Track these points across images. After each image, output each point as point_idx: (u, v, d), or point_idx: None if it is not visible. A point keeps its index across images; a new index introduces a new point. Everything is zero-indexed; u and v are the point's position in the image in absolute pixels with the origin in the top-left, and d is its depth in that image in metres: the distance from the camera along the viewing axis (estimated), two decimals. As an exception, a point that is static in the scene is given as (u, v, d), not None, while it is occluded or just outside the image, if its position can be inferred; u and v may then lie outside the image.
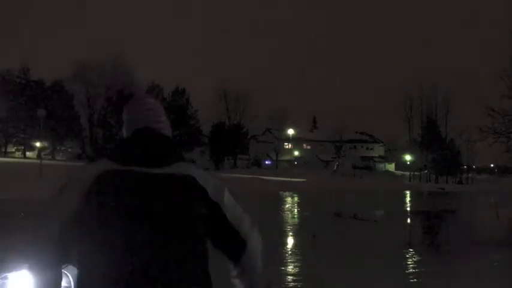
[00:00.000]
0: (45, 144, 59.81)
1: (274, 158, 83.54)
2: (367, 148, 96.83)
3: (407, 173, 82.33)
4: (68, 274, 3.11)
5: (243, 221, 1.68)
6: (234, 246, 1.67)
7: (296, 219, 18.91)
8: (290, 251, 10.76)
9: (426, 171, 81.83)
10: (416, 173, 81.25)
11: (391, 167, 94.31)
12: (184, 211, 1.55)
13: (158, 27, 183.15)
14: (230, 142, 78.49)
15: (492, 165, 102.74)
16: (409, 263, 9.35)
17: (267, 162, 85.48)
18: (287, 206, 26.42)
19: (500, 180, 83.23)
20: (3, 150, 71.49)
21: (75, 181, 1.63)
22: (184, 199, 1.56)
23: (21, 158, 66.90)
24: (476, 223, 19.41)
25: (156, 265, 1.48)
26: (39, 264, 1.60)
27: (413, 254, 10.39)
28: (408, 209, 28.37)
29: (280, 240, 12.09)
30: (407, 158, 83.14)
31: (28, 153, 71.49)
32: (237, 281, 1.72)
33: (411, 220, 20.61)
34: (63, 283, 3.12)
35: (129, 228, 1.49)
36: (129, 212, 1.51)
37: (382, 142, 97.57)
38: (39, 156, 47.47)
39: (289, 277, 7.56)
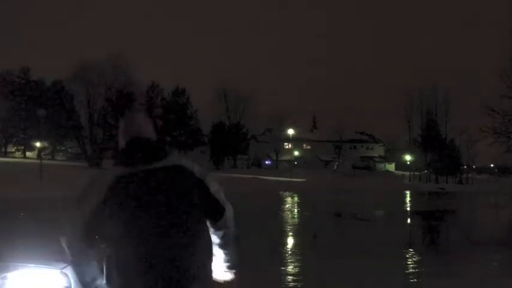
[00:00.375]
0: (45, 144, 59.75)
1: (274, 158, 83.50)
2: (367, 148, 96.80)
3: (407, 173, 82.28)
4: (68, 274, 3.10)
5: (220, 193, 2.29)
6: (215, 211, 2.27)
7: (296, 219, 18.91)
8: (290, 251, 10.76)
9: (426, 171, 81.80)
10: (416, 173, 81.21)
11: (391, 167, 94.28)
12: (182, 189, 2.15)
13: (158, 27, 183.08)
14: (230, 142, 78.47)
15: (492, 165, 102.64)
16: (409, 263, 9.35)
17: (267, 162, 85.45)
18: (287, 206, 26.42)
19: (500, 180, 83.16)
20: (3, 150, 71.44)
21: (97, 183, 2.15)
22: (180, 181, 2.17)
23: (21, 158, 66.86)
24: (476, 223, 19.40)
25: (171, 233, 2.08)
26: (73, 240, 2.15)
27: (413, 254, 10.38)
28: (408, 209, 28.37)
29: (280, 240, 12.08)
30: (407, 158, 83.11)
31: (28, 153, 71.46)
32: (215, 234, 2.32)
33: (411, 220, 20.61)
34: (64, 283, 3.12)
35: (145, 211, 2.07)
36: (143, 200, 2.09)
37: (382, 142, 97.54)
38: (39, 156, 47.45)
39: (289, 277, 7.56)
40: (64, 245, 2.19)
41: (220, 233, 2.31)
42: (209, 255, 2.22)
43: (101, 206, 2.07)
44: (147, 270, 2.02)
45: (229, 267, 2.40)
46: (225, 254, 2.36)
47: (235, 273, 2.42)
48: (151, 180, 2.13)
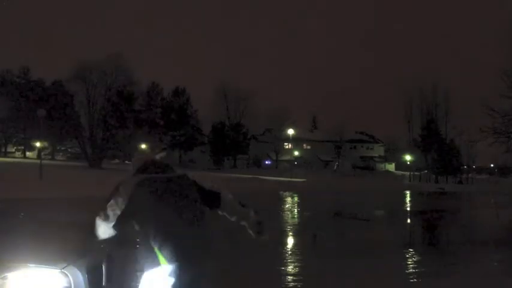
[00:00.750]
0: (45, 144, 59.71)
1: (274, 158, 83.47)
2: (367, 148, 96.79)
3: (407, 173, 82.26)
4: (68, 274, 3.10)
5: (214, 186, 3.34)
6: (212, 197, 3.29)
7: (296, 219, 18.90)
8: (290, 251, 10.75)
9: (426, 171, 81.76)
10: (416, 173, 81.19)
11: (391, 167, 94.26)
12: (185, 189, 3.14)
13: (158, 26, 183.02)
14: (230, 142, 78.49)
15: (492, 165, 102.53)
16: (409, 263, 9.35)
17: (267, 162, 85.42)
18: (287, 206, 26.42)
19: (500, 180, 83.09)
20: (3, 150, 71.44)
21: (127, 184, 3.06)
22: (184, 184, 3.18)
23: (21, 158, 66.86)
24: (476, 223, 19.40)
25: (179, 216, 3.00)
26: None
27: (413, 254, 10.38)
28: (408, 208, 28.37)
29: (280, 240, 12.08)
30: (407, 158, 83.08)
31: (28, 153, 71.47)
32: (228, 216, 3.38)
33: (411, 220, 20.61)
34: (64, 283, 3.12)
35: (162, 200, 3.01)
36: (160, 193, 3.03)
37: (382, 142, 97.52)
38: (39, 156, 47.42)
39: (289, 277, 7.56)
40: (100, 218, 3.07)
41: (228, 213, 3.35)
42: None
43: (131, 198, 2.99)
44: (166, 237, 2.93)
45: (258, 230, 3.46)
46: (250, 223, 3.39)
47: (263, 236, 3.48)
48: (165, 181, 3.12)
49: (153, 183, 3.06)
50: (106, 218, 3.03)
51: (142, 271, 3.01)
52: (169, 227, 2.94)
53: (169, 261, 2.86)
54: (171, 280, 2.84)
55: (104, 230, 3.08)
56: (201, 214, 3.09)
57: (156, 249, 2.90)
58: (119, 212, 3.00)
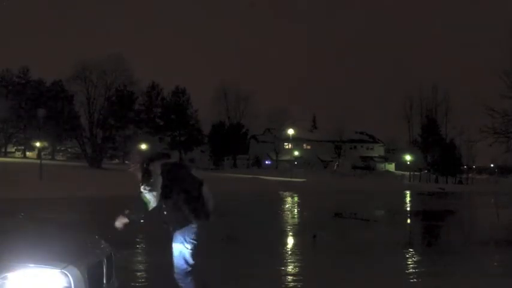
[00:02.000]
0: (45, 144, 59.68)
1: (274, 158, 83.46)
2: (367, 148, 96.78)
3: (407, 173, 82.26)
4: (68, 274, 3.10)
5: (197, 174, 4.82)
6: (197, 180, 4.63)
7: (296, 219, 18.91)
8: (290, 251, 10.76)
9: (426, 171, 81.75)
10: (416, 173, 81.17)
11: (391, 167, 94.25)
12: (181, 171, 4.68)
13: (158, 26, 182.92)
14: (230, 142, 78.47)
15: (492, 165, 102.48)
16: (409, 263, 9.35)
17: (267, 162, 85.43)
18: (287, 206, 26.42)
19: (500, 180, 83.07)
20: (3, 150, 71.41)
21: (155, 165, 4.50)
22: (180, 168, 4.72)
23: (21, 158, 66.86)
24: (476, 223, 19.40)
25: (190, 190, 4.57)
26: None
27: (413, 254, 10.38)
28: (408, 209, 28.38)
29: (280, 240, 12.09)
30: (407, 158, 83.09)
31: (28, 153, 71.48)
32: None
33: (411, 220, 20.62)
34: (64, 283, 3.12)
35: (175, 180, 4.53)
36: (172, 175, 4.56)
37: (382, 142, 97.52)
38: (39, 156, 47.40)
39: (289, 277, 7.57)
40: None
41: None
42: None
43: (162, 175, 4.46)
44: (188, 202, 4.47)
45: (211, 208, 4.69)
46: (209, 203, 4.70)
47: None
48: (173, 166, 4.59)
49: (170, 165, 4.54)
50: (152, 189, 4.36)
51: (175, 228, 4.47)
52: (193, 195, 4.45)
53: (195, 220, 4.43)
54: (194, 233, 4.46)
55: (151, 198, 4.37)
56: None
57: (186, 211, 4.38)
58: (158, 184, 4.35)
